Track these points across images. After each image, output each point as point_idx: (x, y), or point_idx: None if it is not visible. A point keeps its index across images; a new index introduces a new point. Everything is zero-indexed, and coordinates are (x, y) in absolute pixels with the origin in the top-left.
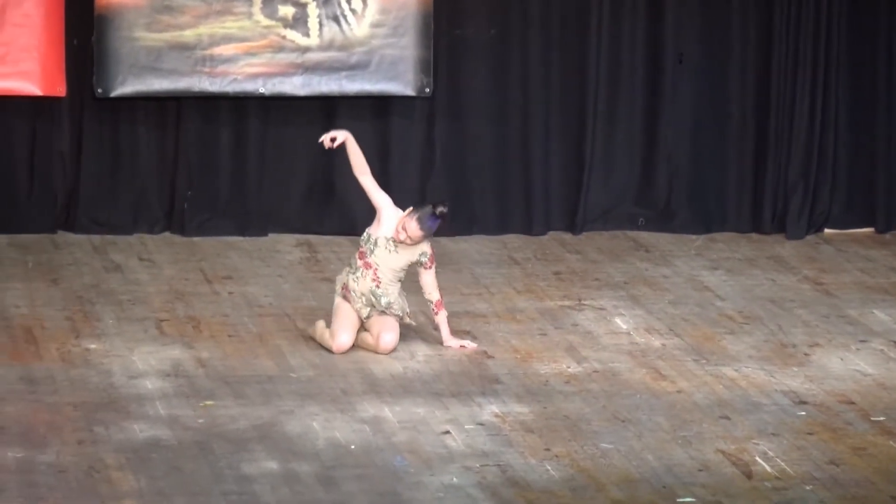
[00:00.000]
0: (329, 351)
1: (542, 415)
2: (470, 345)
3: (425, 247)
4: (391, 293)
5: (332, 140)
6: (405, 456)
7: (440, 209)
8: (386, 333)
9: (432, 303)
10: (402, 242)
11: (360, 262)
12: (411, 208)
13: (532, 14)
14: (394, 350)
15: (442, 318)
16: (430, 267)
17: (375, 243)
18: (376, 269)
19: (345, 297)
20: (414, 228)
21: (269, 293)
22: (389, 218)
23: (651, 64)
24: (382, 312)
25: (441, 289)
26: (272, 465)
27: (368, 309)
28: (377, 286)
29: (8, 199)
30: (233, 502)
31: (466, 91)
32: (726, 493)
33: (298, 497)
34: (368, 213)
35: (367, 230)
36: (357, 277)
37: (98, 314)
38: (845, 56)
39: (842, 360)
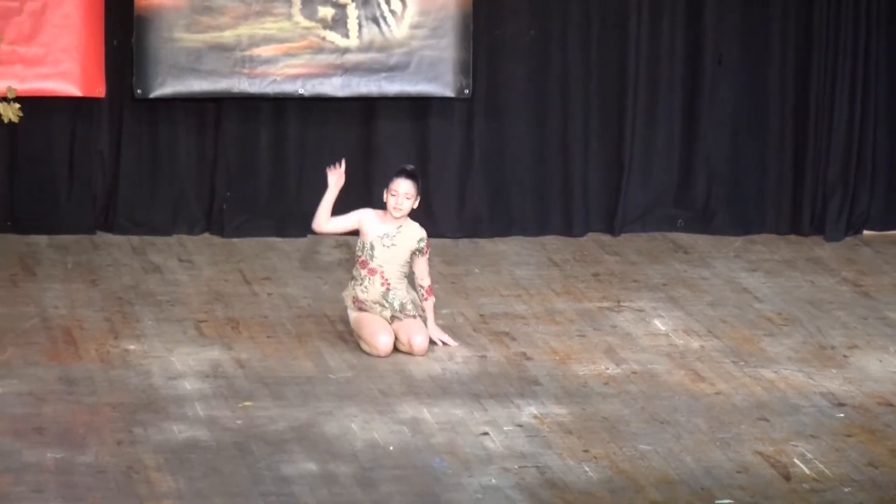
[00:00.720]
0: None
1: (581, 416)
2: (451, 342)
3: (421, 232)
4: (400, 292)
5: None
6: (444, 457)
7: (406, 168)
8: (416, 336)
9: (423, 288)
10: (402, 215)
11: (363, 272)
12: (385, 191)
13: (571, 14)
14: (428, 350)
15: (430, 306)
16: (426, 253)
17: (371, 247)
18: (382, 271)
19: (360, 310)
20: (402, 189)
21: (307, 294)
22: (370, 219)
23: (690, 65)
24: (395, 317)
25: (479, 290)
26: (311, 467)
27: (388, 313)
28: (387, 289)
29: (47, 200)
30: (271, 503)
31: (505, 92)
32: (764, 496)
33: (337, 498)
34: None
35: (358, 242)
36: (365, 287)
37: (137, 315)
38: (885, 56)
39: (880, 362)
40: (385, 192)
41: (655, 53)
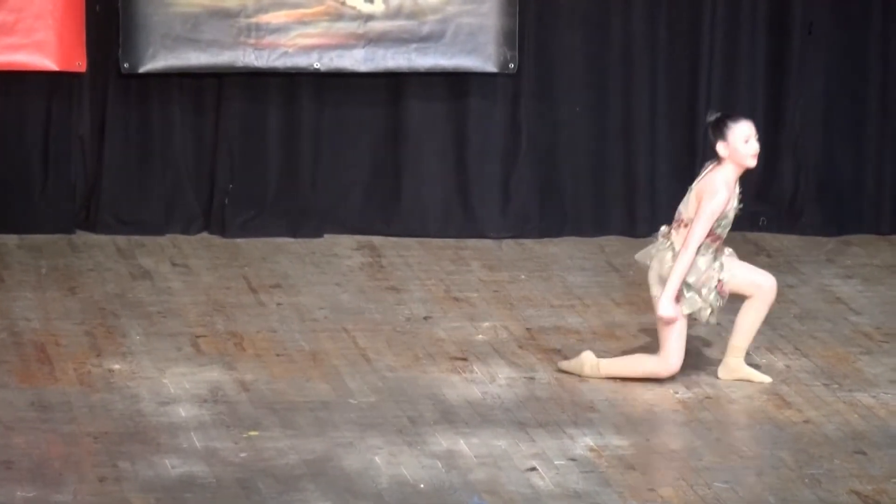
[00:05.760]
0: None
1: (645, 449)
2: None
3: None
4: None
5: None
6: (484, 496)
7: (711, 117)
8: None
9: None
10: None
11: (713, 246)
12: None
13: None
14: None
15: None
16: None
17: (725, 215)
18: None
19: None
20: (752, 130)
21: (324, 305)
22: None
23: (775, 35)
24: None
25: (527, 299)
26: None
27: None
28: (718, 257)
29: (19, 194)
30: None
31: (558, 67)
32: None
33: None
34: (443, 209)
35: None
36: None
37: (123, 329)
38: None
39: None
40: (720, 144)
41: (734, 21)
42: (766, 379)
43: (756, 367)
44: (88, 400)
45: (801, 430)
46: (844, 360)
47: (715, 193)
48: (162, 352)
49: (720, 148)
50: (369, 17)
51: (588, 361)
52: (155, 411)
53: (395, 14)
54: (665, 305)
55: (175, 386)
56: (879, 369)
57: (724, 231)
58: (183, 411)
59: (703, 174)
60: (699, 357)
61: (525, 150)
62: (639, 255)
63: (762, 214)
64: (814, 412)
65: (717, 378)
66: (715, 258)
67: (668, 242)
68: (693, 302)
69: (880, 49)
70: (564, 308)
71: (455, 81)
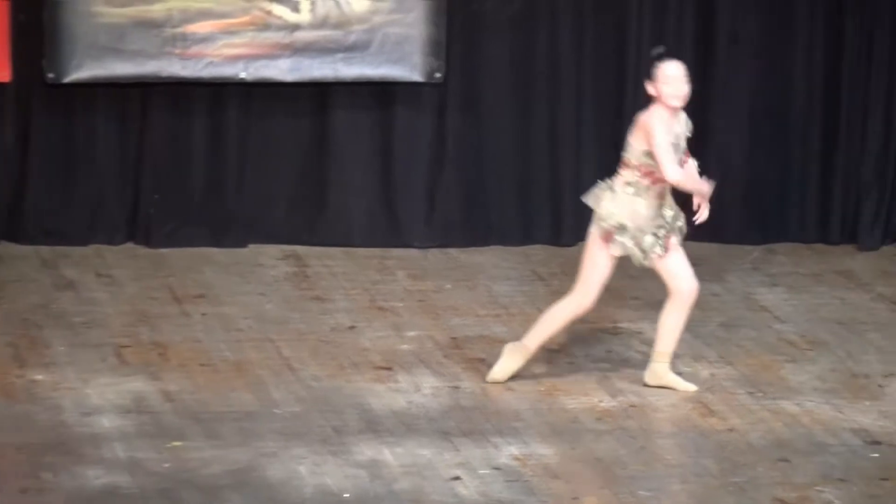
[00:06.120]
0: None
1: (570, 457)
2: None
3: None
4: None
5: None
6: None
7: (654, 52)
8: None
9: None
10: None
11: (652, 185)
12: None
13: None
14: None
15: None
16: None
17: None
18: (661, 177)
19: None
20: (665, 79)
21: (248, 314)
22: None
23: (700, 45)
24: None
25: (452, 309)
26: None
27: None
28: (661, 199)
29: None
30: None
31: (484, 77)
32: None
33: None
34: (368, 218)
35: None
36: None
37: (46, 340)
38: None
39: None
40: (648, 83)
41: (660, 31)
42: (691, 388)
43: (680, 374)
44: (11, 411)
45: (725, 438)
46: (769, 368)
47: (651, 133)
48: (86, 362)
49: (648, 87)
50: (295, 27)
51: (512, 349)
52: (78, 422)
53: (321, 24)
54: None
55: (99, 396)
56: (804, 377)
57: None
58: (106, 422)
59: None
60: (623, 365)
61: (451, 159)
62: (585, 197)
63: (687, 224)
64: (738, 420)
65: (643, 385)
66: (660, 210)
67: (608, 183)
68: (623, 246)
69: (804, 58)
70: (490, 317)
71: (381, 91)
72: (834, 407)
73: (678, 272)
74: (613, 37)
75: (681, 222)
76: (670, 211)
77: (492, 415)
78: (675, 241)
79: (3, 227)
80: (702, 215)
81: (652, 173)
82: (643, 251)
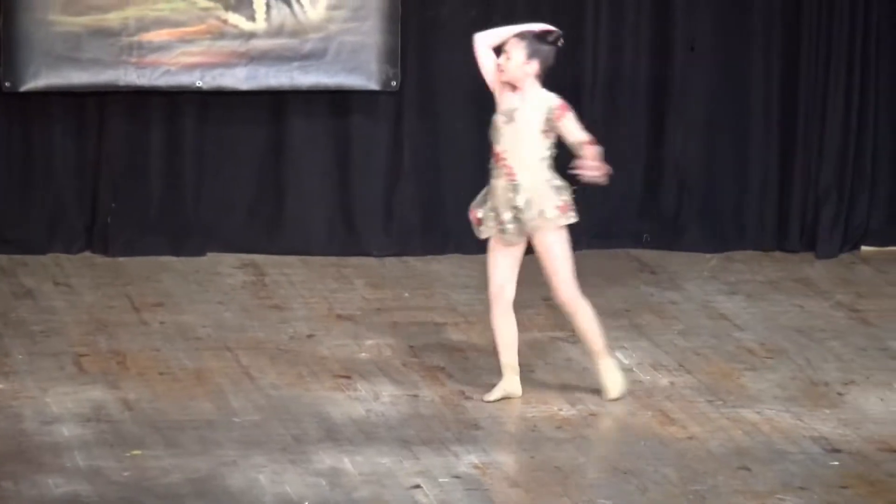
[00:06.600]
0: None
1: (529, 465)
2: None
3: (549, 99)
4: (528, 185)
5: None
6: None
7: (551, 35)
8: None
9: (581, 147)
10: (507, 81)
11: (497, 164)
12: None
13: None
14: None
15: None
16: (564, 114)
17: (495, 126)
18: (504, 157)
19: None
20: (515, 49)
21: (207, 323)
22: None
23: (657, 52)
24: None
25: (410, 317)
26: None
27: (513, 225)
28: (510, 180)
29: None
30: None
31: (441, 84)
32: None
33: None
34: (326, 227)
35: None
36: (497, 185)
37: (5, 348)
38: (886, 44)
39: (881, 400)
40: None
41: (616, 39)
42: (518, 392)
43: (640, 383)
44: None
45: (685, 447)
46: (728, 376)
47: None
48: (44, 371)
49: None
50: (251, 36)
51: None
52: (38, 430)
53: (277, 32)
54: None
55: (58, 405)
56: (763, 385)
57: (501, 148)
58: (66, 430)
59: None
60: (583, 374)
61: (408, 167)
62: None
63: (645, 231)
64: (698, 428)
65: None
66: (513, 192)
67: (505, 184)
68: (488, 229)
69: (762, 66)
70: (448, 326)
71: (337, 99)
72: (794, 415)
73: (495, 278)
74: (569, 46)
75: (528, 216)
76: (522, 200)
77: (451, 423)
78: (509, 237)
79: None
80: (586, 170)
81: (498, 155)
82: (505, 230)
